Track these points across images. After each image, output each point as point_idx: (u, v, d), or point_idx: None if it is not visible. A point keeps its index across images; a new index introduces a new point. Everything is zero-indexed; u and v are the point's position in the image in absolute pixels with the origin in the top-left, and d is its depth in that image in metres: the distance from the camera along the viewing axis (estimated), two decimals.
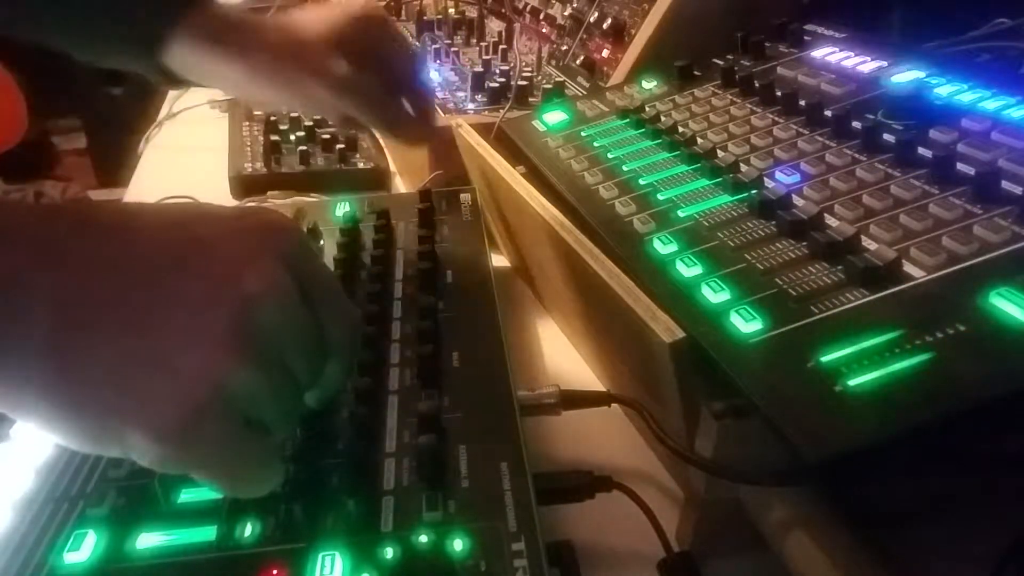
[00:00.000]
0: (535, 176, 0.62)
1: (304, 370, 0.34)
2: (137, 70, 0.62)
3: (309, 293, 0.33)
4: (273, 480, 0.34)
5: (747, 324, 0.39)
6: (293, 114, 1.02)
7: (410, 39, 0.66)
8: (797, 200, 0.48)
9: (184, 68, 0.60)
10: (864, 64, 0.61)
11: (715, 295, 0.42)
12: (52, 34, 0.62)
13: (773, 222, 0.46)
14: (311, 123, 0.98)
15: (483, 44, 1.01)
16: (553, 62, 0.93)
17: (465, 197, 0.69)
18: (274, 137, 0.95)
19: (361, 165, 0.92)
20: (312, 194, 0.87)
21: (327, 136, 0.96)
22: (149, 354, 0.29)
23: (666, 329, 0.39)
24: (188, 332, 0.30)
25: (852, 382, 0.34)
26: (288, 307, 0.32)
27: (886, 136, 0.50)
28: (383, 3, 1.26)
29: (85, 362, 0.29)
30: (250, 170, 0.91)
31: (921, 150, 0.48)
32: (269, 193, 0.88)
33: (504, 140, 0.70)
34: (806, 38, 0.68)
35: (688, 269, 0.44)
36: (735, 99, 0.62)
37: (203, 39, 0.58)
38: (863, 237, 0.43)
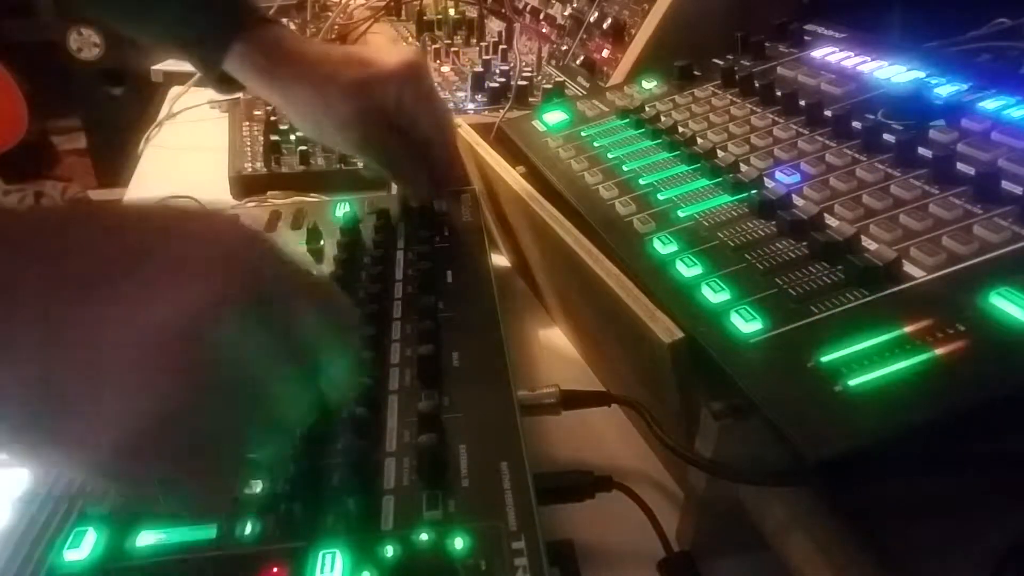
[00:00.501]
0: (535, 176, 0.62)
1: (275, 381, 0.31)
2: (204, 79, 0.69)
3: (283, 298, 0.31)
4: (219, 507, 0.33)
5: (747, 324, 0.39)
6: None
7: (443, 100, 0.69)
8: (797, 200, 0.48)
9: (241, 79, 0.66)
10: (864, 64, 0.61)
11: (715, 295, 0.42)
12: (127, 29, 0.71)
13: (773, 222, 0.46)
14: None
15: (483, 44, 1.01)
16: (553, 62, 0.93)
17: (465, 197, 0.69)
18: (274, 137, 0.95)
19: (361, 165, 0.92)
20: (312, 194, 0.87)
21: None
22: (98, 374, 0.28)
23: (666, 329, 0.39)
24: (136, 350, 0.28)
25: (852, 382, 0.34)
26: (243, 321, 0.29)
27: (886, 136, 0.50)
28: (382, 3, 1.26)
29: (16, 376, 0.27)
30: (250, 170, 0.91)
31: (921, 150, 0.48)
32: (269, 193, 0.88)
33: (504, 140, 0.70)
34: (806, 38, 0.68)
35: (688, 269, 0.44)
36: (735, 99, 0.62)
37: (252, 63, 0.64)
38: (863, 237, 0.43)
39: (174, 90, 1.24)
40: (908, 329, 0.36)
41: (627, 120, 0.64)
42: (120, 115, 2.70)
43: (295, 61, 0.64)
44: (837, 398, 0.34)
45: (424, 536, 0.35)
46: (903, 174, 0.47)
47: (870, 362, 0.35)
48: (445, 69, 0.96)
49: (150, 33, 0.70)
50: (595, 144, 0.62)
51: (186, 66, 0.74)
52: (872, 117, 0.53)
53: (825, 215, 0.45)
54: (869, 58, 0.61)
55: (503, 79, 0.85)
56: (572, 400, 0.50)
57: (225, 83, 0.68)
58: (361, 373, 0.45)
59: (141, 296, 0.28)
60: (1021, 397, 0.33)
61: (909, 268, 0.40)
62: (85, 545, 0.36)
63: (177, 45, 0.69)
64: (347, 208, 0.66)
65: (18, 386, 0.27)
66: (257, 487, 0.39)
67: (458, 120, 0.70)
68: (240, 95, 1.13)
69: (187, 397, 0.28)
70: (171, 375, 0.28)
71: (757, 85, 0.61)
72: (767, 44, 0.69)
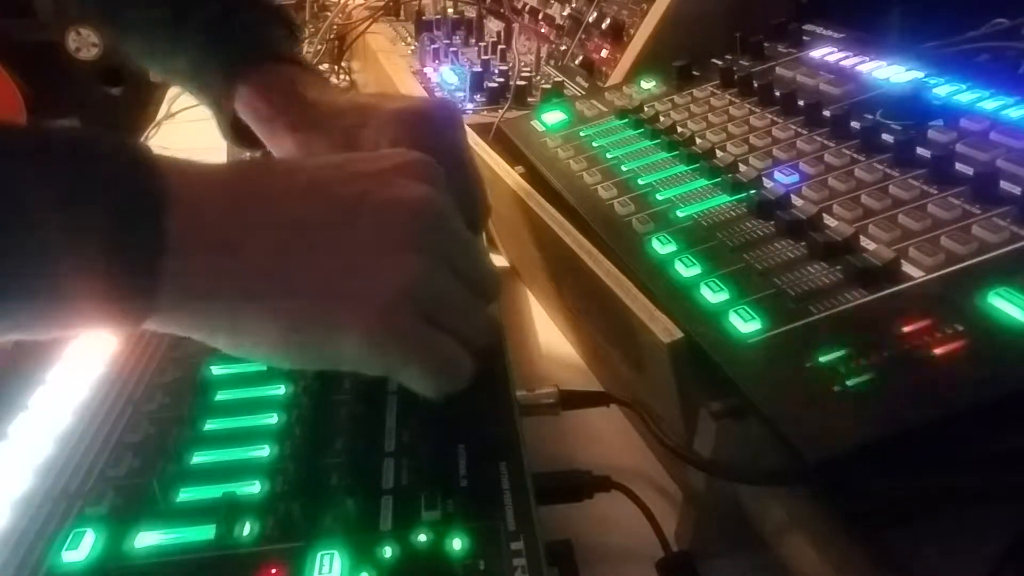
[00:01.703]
0: (534, 176, 0.62)
1: (468, 274, 0.38)
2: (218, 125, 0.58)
3: (451, 255, 0.37)
4: (467, 371, 0.38)
5: (746, 324, 0.39)
6: None
7: (472, 162, 0.50)
8: (796, 200, 0.48)
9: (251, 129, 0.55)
10: (863, 64, 0.61)
11: (714, 295, 0.42)
12: (154, 67, 0.61)
13: (772, 222, 0.46)
14: None
15: (482, 44, 1.01)
16: (552, 62, 0.93)
17: None
18: None
19: None
20: None
21: None
22: (348, 266, 0.35)
23: (664, 329, 0.39)
24: (376, 245, 0.35)
25: (850, 382, 0.34)
26: (448, 220, 0.37)
27: (885, 136, 0.50)
28: (381, 3, 1.26)
29: (297, 283, 0.34)
30: None
31: (920, 150, 0.48)
32: None
33: (503, 140, 0.70)
34: (805, 38, 0.68)
35: (687, 269, 0.44)
36: (734, 99, 0.62)
37: (254, 109, 0.54)
38: (862, 237, 0.43)
39: (173, 90, 1.24)
40: (907, 329, 0.36)
41: (626, 120, 0.64)
42: (119, 115, 2.70)
43: (294, 108, 0.52)
44: (835, 398, 0.34)
45: (423, 536, 0.35)
46: (902, 174, 0.47)
47: (868, 362, 0.35)
48: (444, 69, 0.96)
49: (173, 73, 0.60)
50: (594, 144, 0.62)
51: None
52: (871, 117, 0.53)
53: (824, 215, 0.45)
54: (868, 58, 0.61)
55: (502, 79, 0.85)
56: (571, 400, 0.50)
57: (241, 136, 0.56)
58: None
59: (375, 208, 0.36)
60: (1020, 397, 0.33)
61: (908, 268, 0.40)
62: (84, 546, 0.36)
63: (193, 88, 0.59)
64: None
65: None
66: (256, 487, 0.39)
67: None
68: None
69: (423, 274, 0.35)
70: (410, 257, 0.35)
71: (756, 85, 0.61)
72: (766, 44, 0.69)
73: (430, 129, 0.48)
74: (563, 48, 0.93)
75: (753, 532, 0.40)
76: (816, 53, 0.65)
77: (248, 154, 0.74)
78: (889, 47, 0.62)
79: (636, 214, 0.51)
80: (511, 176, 0.59)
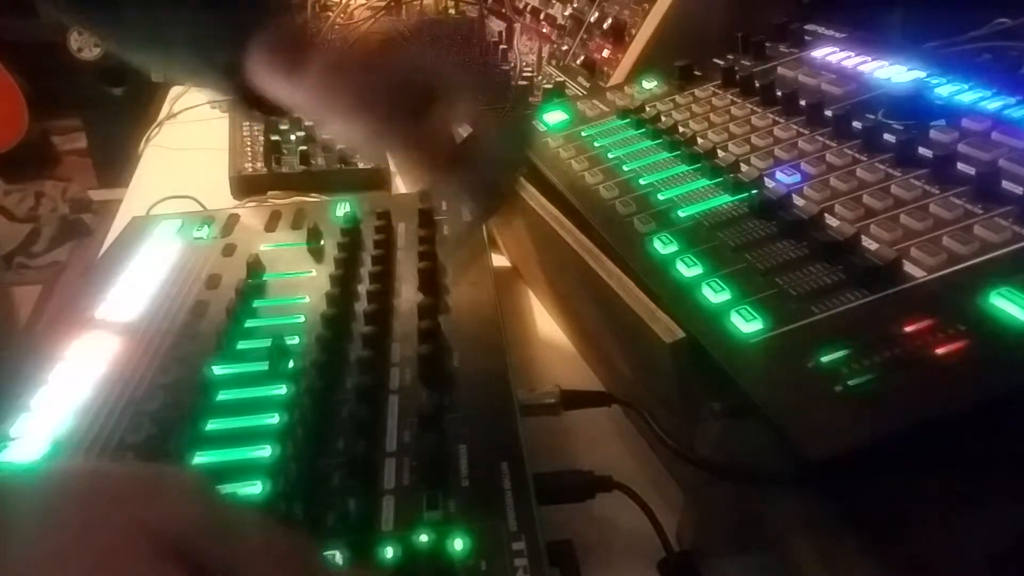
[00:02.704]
0: (535, 176, 0.62)
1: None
2: (225, 96, 0.57)
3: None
4: None
5: (747, 324, 0.39)
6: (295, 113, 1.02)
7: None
8: (797, 200, 0.47)
9: (265, 83, 0.53)
10: (864, 64, 0.61)
11: (715, 295, 0.42)
12: (139, 55, 0.62)
13: (773, 222, 0.46)
14: (312, 123, 0.98)
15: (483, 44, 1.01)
16: (553, 62, 0.93)
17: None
18: (274, 137, 0.95)
19: (361, 165, 0.92)
20: (312, 194, 0.87)
21: (327, 136, 0.95)
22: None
23: (666, 329, 0.39)
24: None
25: (852, 382, 0.34)
26: None
27: (886, 136, 0.50)
28: (383, 3, 1.26)
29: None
30: (250, 170, 0.91)
31: (921, 150, 0.48)
32: (269, 193, 0.88)
33: None
34: (806, 38, 0.68)
35: (688, 269, 0.44)
36: (735, 99, 0.62)
37: (271, 60, 0.52)
38: (863, 237, 0.43)
39: (174, 90, 1.24)
40: (908, 329, 0.36)
41: (627, 120, 0.64)
42: (120, 115, 2.70)
43: (307, 53, 0.51)
44: (837, 398, 0.34)
45: (424, 537, 0.35)
46: (903, 174, 0.47)
47: (870, 362, 0.35)
48: None
49: (176, 58, 0.60)
50: (595, 144, 0.62)
51: None
52: (872, 117, 0.53)
53: (825, 215, 0.45)
54: (869, 58, 0.61)
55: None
56: (572, 400, 0.50)
57: (255, 104, 0.55)
58: (361, 372, 0.46)
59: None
60: (1021, 397, 0.33)
61: (909, 268, 0.40)
62: None
63: (200, 65, 0.57)
64: (347, 208, 0.66)
65: None
66: (257, 487, 0.39)
67: None
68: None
69: None
70: None
71: (757, 85, 0.61)
72: (767, 44, 0.69)
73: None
74: (564, 48, 0.93)
75: (754, 532, 0.40)
76: (818, 53, 0.65)
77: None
78: (891, 47, 0.62)
79: (637, 214, 0.51)
80: None
